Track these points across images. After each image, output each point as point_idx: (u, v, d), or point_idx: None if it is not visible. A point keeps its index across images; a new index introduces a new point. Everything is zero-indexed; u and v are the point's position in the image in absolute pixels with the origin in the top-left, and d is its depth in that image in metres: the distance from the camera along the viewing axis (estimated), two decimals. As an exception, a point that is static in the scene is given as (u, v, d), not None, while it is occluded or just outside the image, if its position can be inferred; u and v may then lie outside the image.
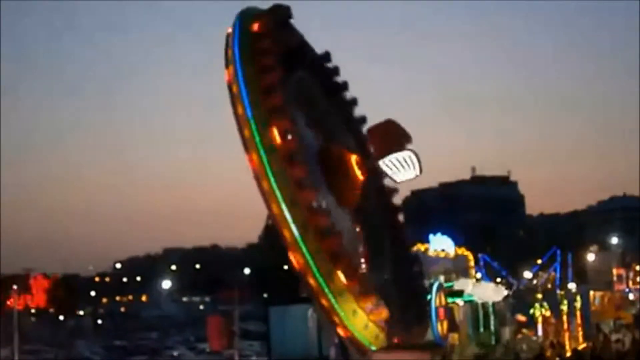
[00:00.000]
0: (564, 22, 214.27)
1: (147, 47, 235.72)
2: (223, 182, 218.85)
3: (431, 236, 31.99)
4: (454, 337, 27.78)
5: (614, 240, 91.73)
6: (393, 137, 19.87)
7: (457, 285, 29.80)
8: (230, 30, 17.83)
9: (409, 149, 19.97)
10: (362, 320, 17.21)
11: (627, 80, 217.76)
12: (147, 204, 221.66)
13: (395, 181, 20.55)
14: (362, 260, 20.25)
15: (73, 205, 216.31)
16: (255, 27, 17.94)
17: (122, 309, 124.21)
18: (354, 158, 19.55)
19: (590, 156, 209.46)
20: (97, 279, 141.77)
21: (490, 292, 32.73)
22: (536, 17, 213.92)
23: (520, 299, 40.56)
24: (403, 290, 20.75)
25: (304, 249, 16.50)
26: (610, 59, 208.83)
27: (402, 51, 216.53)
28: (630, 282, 66.63)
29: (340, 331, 17.36)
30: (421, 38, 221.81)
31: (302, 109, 19.61)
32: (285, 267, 18.18)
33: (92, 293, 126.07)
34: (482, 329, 32.13)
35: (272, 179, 16.48)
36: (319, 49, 20.31)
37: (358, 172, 19.45)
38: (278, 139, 16.63)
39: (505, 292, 34.65)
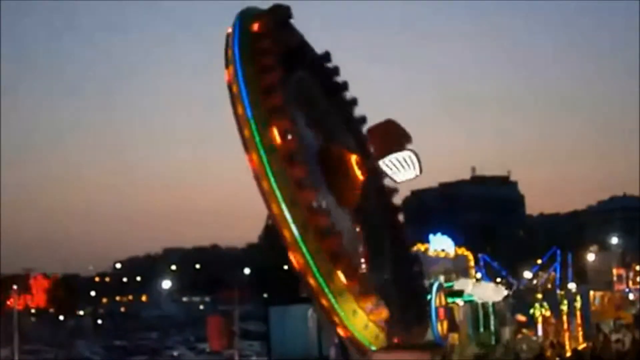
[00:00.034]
0: (564, 22, 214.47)
1: (147, 47, 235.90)
2: (223, 182, 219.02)
3: (431, 236, 31.98)
4: (454, 337, 27.78)
5: (614, 240, 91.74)
6: (393, 137, 19.88)
7: (457, 285, 29.80)
8: (230, 30, 17.83)
9: (409, 149, 19.96)
10: (362, 320, 17.21)
11: (627, 80, 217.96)
12: (147, 204, 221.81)
13: (395, 181, 20.55)
14: (362, 260, 20.25)
15: (73, 205, 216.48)
16: (255, 27, 17.94)
17: (122, 309, 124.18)
18: (354, 158, 19.54)
19: (590, 156, 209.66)
20: (97, 279, 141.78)
21: (490, 292, 32.73)
22: (536, 17, 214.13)
23: (520, 299, 40.57)
24: (403, 290, 20.75)
25: (304, 249, 16.50)
26: (610, 59, 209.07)
27: (402, 51, 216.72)
28: (630, 282, 66.63)
29: (341, 331, 17.36)
30: (421, 38, 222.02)
31: (302, 109, 19.60)
32: (285, 267, 18.18)
33: (92, 293, 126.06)
34: (482, 329, 32.12)
35: (272, 179, 16.48)
36: (319, 49, 20.30)
37: (358, 172, 19.44)
38: (278, 139, 16.63)
39: (505, 292, 34.63)
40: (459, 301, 29.76)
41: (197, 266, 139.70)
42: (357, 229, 20.88)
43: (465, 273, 34.05)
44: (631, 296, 62.23)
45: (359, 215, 20.69)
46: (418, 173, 19.43)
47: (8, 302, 65.19)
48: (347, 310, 16.97)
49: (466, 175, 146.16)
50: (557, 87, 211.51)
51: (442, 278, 27.45)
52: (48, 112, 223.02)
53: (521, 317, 36.79)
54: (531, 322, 36.53)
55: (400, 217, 22.46)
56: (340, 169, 19.30)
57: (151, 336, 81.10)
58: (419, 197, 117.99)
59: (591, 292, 46.75)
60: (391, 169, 19.77)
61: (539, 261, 73.44)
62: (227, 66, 17.49)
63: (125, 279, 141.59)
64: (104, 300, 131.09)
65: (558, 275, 66.90)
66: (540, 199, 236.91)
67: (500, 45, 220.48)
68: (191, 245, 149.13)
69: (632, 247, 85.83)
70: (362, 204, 20.51)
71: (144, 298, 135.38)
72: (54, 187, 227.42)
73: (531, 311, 36.39)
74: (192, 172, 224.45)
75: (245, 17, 18.12)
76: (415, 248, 26.59)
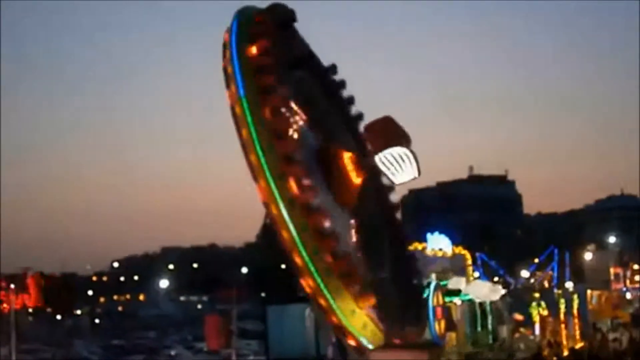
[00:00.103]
0: (564, 22, 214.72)
1: (147, 47, 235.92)
2: (222, 182, 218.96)
3: (429, 235, 32.02)
4: (451, 337, 27.80)
5: (612, 239, 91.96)
6: (390, 133, 19.86)
7: (451, 283, 29.78)
8: (226, 35, 17.80)
9: (406, 148, 19.94)
10: (360, 319, 17.22)
11: (627, 80, 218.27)
12: (146, 203, 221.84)
13: (393, 183, 20.55)
14: (361, 259, 20.25)
15: (73, 205, 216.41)
16: (254, 26, 17.92)
17: (120, 308, 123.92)
18: (352, 157, 19.54)
19: (590, 156, 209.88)
20: (94, 278, 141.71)
21: (485, 291, 32.62)
22: (536, 17, 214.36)
23: (518, 298, 40.60)
24: (401, 289, 20.75)
25: (302, 250, 16.51)
26: (610, 59, 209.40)
27: (402, 51, 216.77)
28: (628, 281, 66.85)
29: (339, 331, 17.37)
30: (421, 38, 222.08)
31: (302, 109, 19.59)
32: (283, 266, 18.20)
33: (90, 292, 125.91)
34: (479, 328, 32.14)
35: (270, 179, 16.48)
36: (318, 50, 20.32)
37: (356, 171, 19.45)
38: (277, 141, 16.63)
39: (502, 292, 34.59)
40: (457, 300, 29.78)
41: (195, 265, 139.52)
42: (355, 228, 20.88)
43: (462, 272, 34.05)
44: (628, 295, 62.39)
45: (357, 214, 20.68)
46: (416, 175, 19.42)
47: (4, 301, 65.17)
48: (346, 310, 16.98)
49: (464, 174, 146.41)
50: (557, 87, 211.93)
51: (433, 276, 27.29)
52: (48, 112, 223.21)
53: (518, 316, 36.81)
54: (529, 321, 36.56)
55: (398, 215, 22.47)
56: (339, 168, 19.30)
57: (149, 335, 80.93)
58: (416, 196, 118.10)
59: (588, 291, 46.81)
60: (388, 168, 19.75)
61: (537, 260, 73.59)
62: (224, 67, 17.49)
63: (122, 278, 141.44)
64: (102, 299, 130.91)
65: (555, 274, 67.04)
66: (540, 198, 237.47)
67: (500, 45, 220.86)
68: (189, 245, 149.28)
69: (629, 246, 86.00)
70: (360, 203, 20.51)
71: (141, 297, 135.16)
72: (54, 187, 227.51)
73: (529, 310, 36.43)
74: (192, 172, 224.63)
75: (243, 16, 18.11)
76: (412, 247, 26.61)
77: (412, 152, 19.65)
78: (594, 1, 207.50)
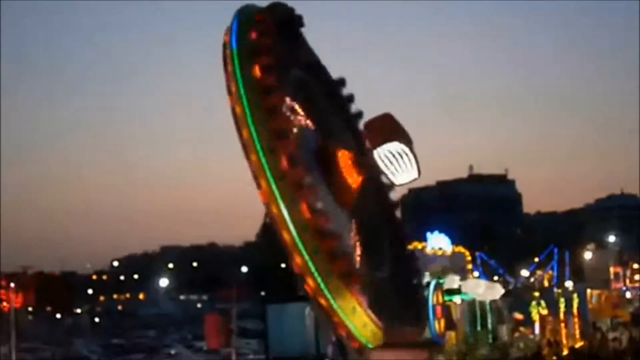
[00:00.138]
0: (564, 22, 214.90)
1: (147, 47, 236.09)
2: (222, 181, 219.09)
3: (428, 234, 32.06)
4: (451, 335, 27.81)
5: (612, 238, 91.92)
6: (389, 129, 19.85)
7: (446, 282, 29.74)
8: (226, 36, 17.79)
9: (407, 147, 19.94)
10: (361, 318, 17.23)
11: (627, 80, 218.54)
12: (146, 203, 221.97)
13: (394, 184, 20.54)
14: (361, 258, 20.26)
15: (73, 205, 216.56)
16: (254, 25, 17.91)
17: (120, 307, 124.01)
18: (352, 156, 19.54)
19: (590, 156, 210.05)
20: (94, 277, 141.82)
21: (481, 289, 32.50)
22: (536, 17, 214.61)
23: (518, 297, 40.62)
24: (401, 288, 20.75)
25: (303, 250, 16.51)
26: (610, 59, 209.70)
27: (402, 51, 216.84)
28: (628, 281, 66.84)
29: (340, 330, 17.37)
30: (421, 38, 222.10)
31: (302, 108, 19.59)
32: (283, 265, 18.20)
33: (90, 291, 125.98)
34: (479, 327, 32.16)
35: (271, 180, 16.48)
36: (318, 50, 20.31)
37: (356, 171, 19.45)
38: (277, 140, 16.63)
39: (500, 290, 34.54)
40: (457, 299, 29.79)
41: (195, 264, 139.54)
42: (355, 227, 20.88)
43: (462, 271, 34.07)
44: (628, 294, 62.37)
45: (356, 214, 20.69)
46: (417, 176, 19.41)
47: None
48: (346, 309, 16.99)
49: (464, 174, 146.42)
50: (557, 87, 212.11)
51: (427, 275, 27.19)
52: (48, 112, 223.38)
53: (518, 316, 36.81)
54: (528, 320, 36.58)
55: (398, 214, 22.47)
56: (339, 168, 19.30)
57: (149, 334, 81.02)
58: (416, 196, 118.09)
59: (588, 291, 46.83)
60: (387, 167, 19.74)
61: (537, 259, 73.54)
62: (225, 67, 17.48)
63: (122, 277, 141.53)
64: (102, 298, 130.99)
65: (555, 273, 67.00)
66: (541, 198, 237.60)
67: (500, 45, 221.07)
68: (189, 244, 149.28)
69: (629, 245, 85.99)
70: (360, 203, 20.50)
71: (141, 296, 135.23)
72: (54, 187, 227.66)
73: (528, 309, 36.44)
74: (192, 172, 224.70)
75: (243, 15, 18.10)
76: (412, 246, 26.62)
77: (413, 152, 19.64)
78: (594, 1, 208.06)
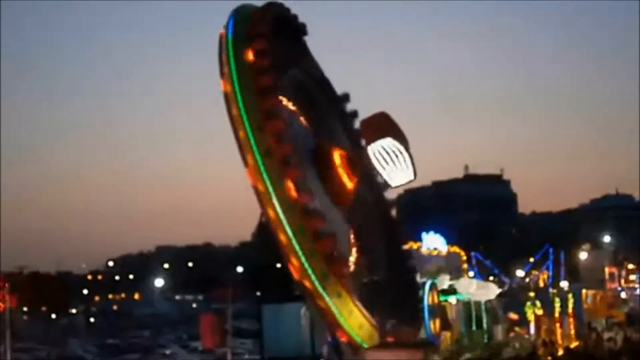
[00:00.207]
0: (564, 22, 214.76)
1: (147, 47, 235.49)
2: (222, 181, 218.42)
3: (424, 234, 32.04)
4: (446, 335, 27.81)
5: (607, 238, 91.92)
6: (384, 126, 19.90)
7: (438, 282, 29.68)
8: (222, 32, 17.80)
9: (402, 145, 19.97)
10: (357, 320, 17.24)
11: (627, 80, 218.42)
12: (144, 203, 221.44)
13: (390, 186, 20.57)
14: (357, 258, 20.27)
15: (73, 205, 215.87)
16: (250, 24, 17.92)
17: (115, 307, 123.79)
18: (348, 157, 19.55)
19: (589, 156, 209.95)
20: (89, 276, 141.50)
21: (473, 289, 32.42)
22: (536, 17, 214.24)
23: (513, 297, 40.60)
24: (396, 288, 20.78)
25: (299, 252, 16.51)
26: (610, 59, 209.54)
27: (402, 51, 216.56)
28: (623, 281, 66.85)
29: (336, 331, 17.39)
30: (421, 38, 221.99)
31: (300, 108, 19.61)
32: (279, 265, 18.19)
33: (85, 291, 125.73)
34: (474, 327, 32.17)
35: (267, 182, 16.48)
36: (318, 50, 20.34)
37: (352, 172, 19.46)
38: (274, 143, 16.63)
39: (495, 290, 34.51)
40: (452, 299, 29.79)
41: (190, 264, 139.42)
42: (351, 228, 20.89)
43: (457, 271, 34.08)
44: (623, 295, 62.41)
45: (353, 214, 20.70)
46: (412, 177, 19.45)
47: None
48: (343, 311, 17.00)
49: (460, 174, 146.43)
50: (557, 87, 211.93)
51: (418, 275, 27.13)
52: (48, 112, 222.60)
53: (513, 316, 36.82)
54: (524, 320, 36.58)
55: (394, 214, 22.50)
56: (335, 169, 19.31)
57: (144, 334, 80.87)
58: (412, 196, 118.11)
59: (583, 291, 46.86)
60: (382, 166, 19.76)
61: (532, 259, 73.55)
62: (221, 66, 17.49)
63: (118, 277, 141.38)
64: (97, 298, 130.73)
65: (551, 273, 67.05)
66: (539, 198, 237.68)
67: (500, 45, 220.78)
68: (184, 244, 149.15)
69: (624, 245, 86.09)
70: (356, 204, 20.52)
71: (136, 296, 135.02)
72: (54, 187, 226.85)
73: (524, 309, 36.45)
74: (191, 172, 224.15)
75: (240, 14, 18.10)
76: (408, 246, 26.60)
77: (408, 153, 19.68)
78: (594, 1, 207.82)
